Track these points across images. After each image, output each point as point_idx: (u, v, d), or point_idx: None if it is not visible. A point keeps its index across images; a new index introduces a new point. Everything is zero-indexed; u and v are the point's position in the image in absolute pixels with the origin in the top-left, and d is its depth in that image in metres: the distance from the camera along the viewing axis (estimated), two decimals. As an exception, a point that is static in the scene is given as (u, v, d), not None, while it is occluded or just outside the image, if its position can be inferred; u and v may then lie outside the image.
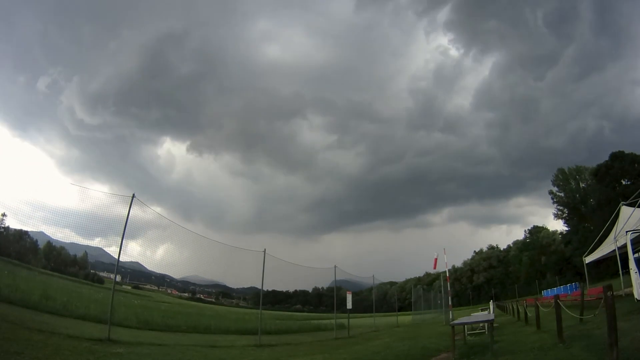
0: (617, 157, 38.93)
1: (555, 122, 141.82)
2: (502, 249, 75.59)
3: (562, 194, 50.64)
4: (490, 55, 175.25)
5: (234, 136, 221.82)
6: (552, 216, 53.10)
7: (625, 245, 11.51)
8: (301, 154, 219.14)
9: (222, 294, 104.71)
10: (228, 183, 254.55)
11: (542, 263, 57.88)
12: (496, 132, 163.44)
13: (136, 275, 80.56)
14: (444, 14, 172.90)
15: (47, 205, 11.21)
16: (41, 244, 57.43)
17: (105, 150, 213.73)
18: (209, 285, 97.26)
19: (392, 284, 79.36)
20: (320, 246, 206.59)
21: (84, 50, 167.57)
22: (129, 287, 66.67)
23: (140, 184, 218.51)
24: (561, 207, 50.85)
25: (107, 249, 12.48)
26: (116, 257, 9.91)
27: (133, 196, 9.92)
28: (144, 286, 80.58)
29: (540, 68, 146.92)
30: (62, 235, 13.61)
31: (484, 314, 17.58)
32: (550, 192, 51.88)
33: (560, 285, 33.28)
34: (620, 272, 13.41)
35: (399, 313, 33.97)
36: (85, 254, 68.69)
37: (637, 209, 13.20)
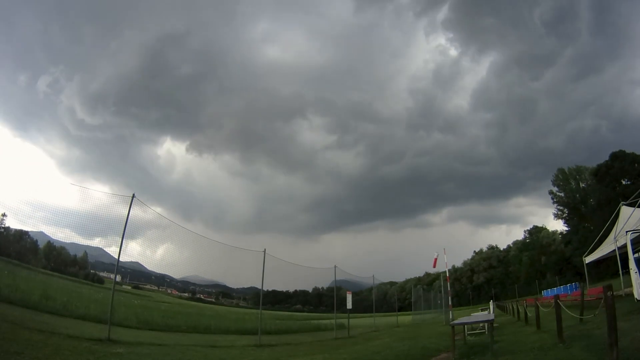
0: (617, 157, 38.90)
1: (554, 122, 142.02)
2: (502, 249, 75.69)
3: (562, 194, 50.65)
4: (488, 55, 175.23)
5: (234, 136, 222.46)
6: (552, 216, 53.23)
7: (625, 245, 11.51)
8: (301, 154, 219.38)
9: (222, 294, 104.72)
10: (228, 183, 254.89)
11: (542, 263, 57.88)
12: (495, 132, 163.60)
13: (136, 275, 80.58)
14: (442, 13, 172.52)
15: (47, 205, 11.21)
16: (41, 244, 57.42)
17: (106, 150, 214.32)
18: (209, 285, 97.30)
19: (392, 284, 79.40)
20: (320, 246, 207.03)
21: (85, 50, 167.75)
22: (129, 287, 66.68)
23: (141, 184, 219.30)
24: (561, 207, 50.86)
25: (107, 249, 12.47)
26: (116, 257, 9.92)
27: (133, 196, 9.92)
28: (144, 286, 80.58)
29: (539, 68, 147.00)
30: (62, 235, 13.64)
31: (484, 314, 17.58)
32: (550, 192, 51.96)
33: (560, 285, 33.28)
34: (620, 272, 13.41)
35: (399, 313, 33.96)
36: (86, 254, 68.66)
37: (637, 209, 13.20)
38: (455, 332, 8.54)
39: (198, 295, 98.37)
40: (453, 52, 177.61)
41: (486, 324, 10.86)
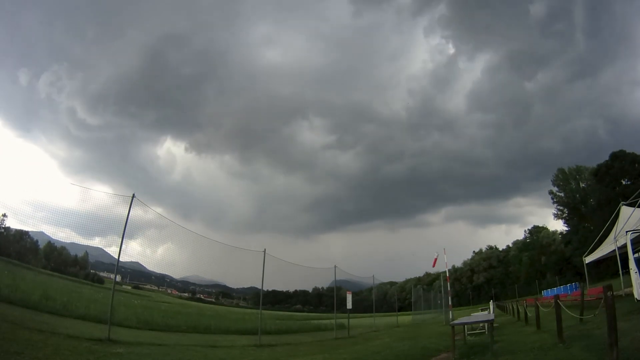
0: (617, 157, 38.88)
1: (553, 122, 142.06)
2: (501, 249, 75.72)
3: (562, 194, 50.65)
4: (484, 54, 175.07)
5: (234, 136, 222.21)
6: (552, 216, 53.25)
7: (625, 245, 11.51)
8: (301, 154, 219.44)
9: (222, 294, 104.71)
10: (228, 183, 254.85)
11: (542, 263, 57.87)
12: (494, 132, 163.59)
13: (136, 275, 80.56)
14: (438, 12, 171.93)
15: (48, 205, 11.21)
16: (41, 244, 57.40)
17: (107, 151, 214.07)
18: (209, 285, 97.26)
19: (392, 284, 79.42)
20: (320, 246, 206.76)
21: (86, 50, 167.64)
22: (129, 287, 66.64)
23: (141, 183, 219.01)
24: (561, 207, 50.86)
25: (107, 249, 12.48)
26: (116, 257, 9.92)
27: (133, 196, 9.92)
28: (144, 286, 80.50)
29: (539, 68, 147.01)
30: (62, 235, 13.63)
31: (484, 314, 17.59)
32: (550, 192, 51.97)
33: (560, 285, 33.27)
34: (620, 272, 13.42)
35: (399, 313, 33.98)
36: (86, 254, 68.62)
37: (637, 209, 13.21)
38: (455, 332, 8.55)
39: (198, 295, 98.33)
40: (452, 51, 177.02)
41: (486, 324, 10.87)
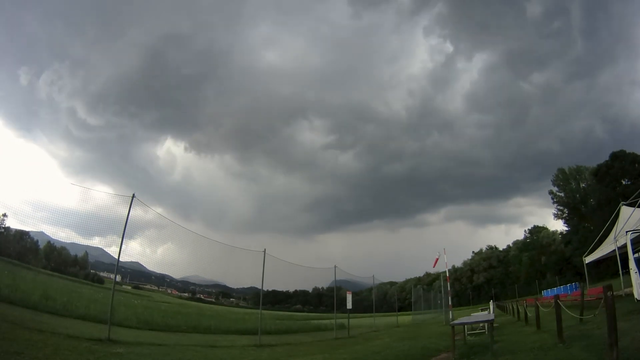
0: (617, 157, 38.87)
1: (552, 122, 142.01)
2: (501, 249, 75.72)
3: (562, 194, 50.64)
4: (484, 54, 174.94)
5: (234, 136, 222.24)
6: (552, 216, 53.23)
7: (625, 245, 11.51)
8: (301, 154, 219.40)
9: (222, 294, 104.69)
10: (228, 183, 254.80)
11: (542, 263, 57.85)
12: (494, 132, 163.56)
13: (136, 275, 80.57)
14: (436, 12, 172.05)
15: (48, 205, 11.19)
16: (42, 244, 57.39)
17: (107, 150, 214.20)
18: (209, 285, 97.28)
19: (392, 284, 79.41)
20: (320, 246, 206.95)
21: (87, 50, 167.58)
22: (129, 287, 66.65)
23: (141, 183, 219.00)
24: (561, 207, 50.84)
25: (107, 249, 12.46)
26: (116, 257, 9.92)
27: (133, 196, 9.92)
28: (144, 286, 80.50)
29: (539, 68, 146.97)
30: (62, 235, 13.63)
31: (484, 314, 17.59)
32: (551, 192, 51.94)
33: (560, 285, 33.25)
34: (620, 272, 13.42)
35: (399, 313, 33.97)
36: (86, 254, 68.60)
37: (637, 209, 13.21)
38: (455, 332, 8.55)
39: (198, 295, 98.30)
40: (451, 51, 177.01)
41: (486, 324, 10.87)
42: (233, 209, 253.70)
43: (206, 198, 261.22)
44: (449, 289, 23.75)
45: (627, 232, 11.56)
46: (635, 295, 10.07)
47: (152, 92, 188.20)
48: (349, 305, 18.11)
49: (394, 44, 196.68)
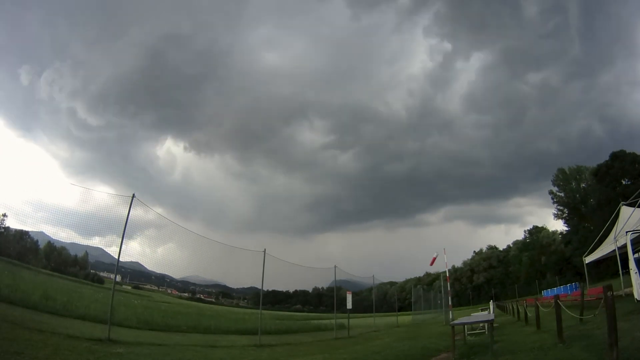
0: (618, 157, 38.86)
1: (551, 122, 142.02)
2: (501, 249, 75.72)
3: (562, 194, 50.64)
4: (484, 54, 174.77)
5: (234, 136, 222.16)
6: (552, 216, 53.24)
7: (625, 246, 11.51)
8: (300, 154, 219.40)
9: (222, 294, 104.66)
10: (227, 183, 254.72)
11: (542, 263, 57.84)
12: (494, 132, 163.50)
13: (136, 275, 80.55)
14: (435, 12, 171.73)
15: (48, 205, 11.20)
16: (42, 244, 57.38)
17: (107, 151, 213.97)
18: (209, 285, 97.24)
19: (392, 284, 79.41)
20: (320, 246, 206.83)
21: (87, 50, 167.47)
22: (129, 287, 66.62)
23: (141, 183, 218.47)
24: (561, 207, 50.84)
25: (107, 249, 12.48)
26: (116, 257, 9.93)
27: (133, 196, 9.93)
28: (144, 286, 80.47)
29: (539, 68, 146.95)
30: (62, 235, 13.60)
31: (484, 314, 17.59)
32: (551, 192, 51.92)
33: (560, 285, 33.24)
34: (620, 272, 13.42)
35: (399, 313, 33.96)
36: (86, 254, 68.57)
37: (637, 209, 13.22)
38: (455, 332, 8.55)
39: (198, 295, 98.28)
40: (450, 51, 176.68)
41: (486, 324, 10.87)
42: (233, 209, 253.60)
43: (206, 198, 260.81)
44: (449, 289, 23.74)
45: (627, 232, 11.57)
46: (635, 296, 10.08)
47: (152, 92, 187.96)
48: (349, 305, 18.11)
49: (393, 43, 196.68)
